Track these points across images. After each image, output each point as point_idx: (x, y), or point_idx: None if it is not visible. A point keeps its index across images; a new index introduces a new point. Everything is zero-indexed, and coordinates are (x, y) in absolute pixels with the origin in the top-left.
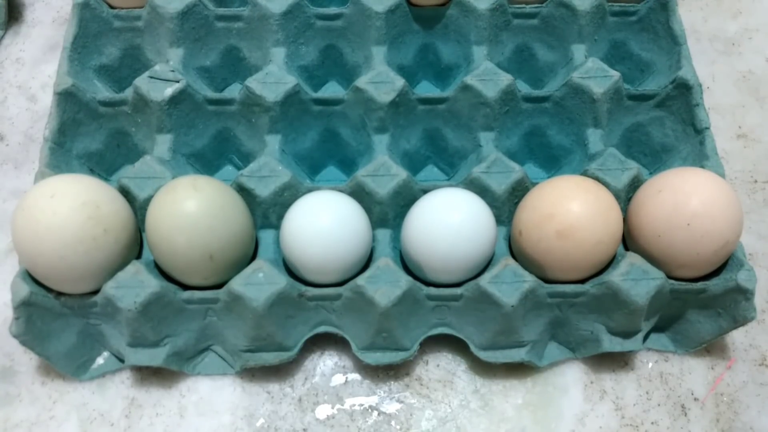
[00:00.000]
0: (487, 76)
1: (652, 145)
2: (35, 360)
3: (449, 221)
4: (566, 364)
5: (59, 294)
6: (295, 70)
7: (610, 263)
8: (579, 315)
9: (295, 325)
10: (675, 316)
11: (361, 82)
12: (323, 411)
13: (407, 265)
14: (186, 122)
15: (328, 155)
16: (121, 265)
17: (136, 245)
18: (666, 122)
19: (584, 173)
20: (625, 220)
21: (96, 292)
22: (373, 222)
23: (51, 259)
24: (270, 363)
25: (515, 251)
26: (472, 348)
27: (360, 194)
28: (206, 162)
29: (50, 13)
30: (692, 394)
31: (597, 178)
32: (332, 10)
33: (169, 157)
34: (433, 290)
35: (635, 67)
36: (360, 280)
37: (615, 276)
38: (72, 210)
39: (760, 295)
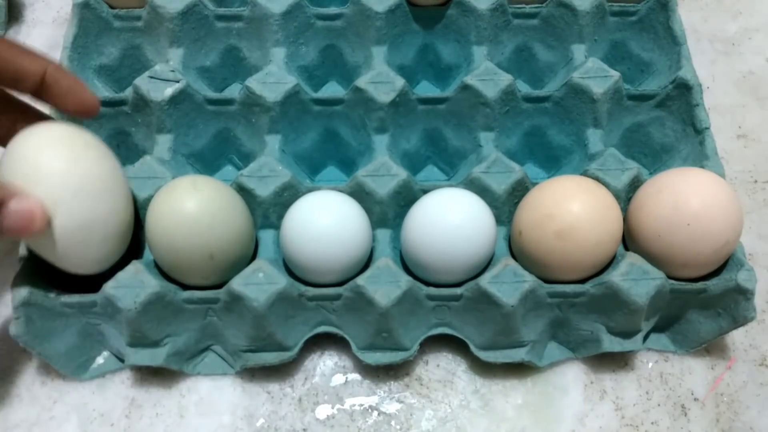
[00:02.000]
0: (487, 76)
1: (652, 145)
2: (35, 360)
3: (449, 221)
4: (566, 364)
5: (59, 294)
6: (295, 70)
7: (610, 263)
8: (579, 315)
9: (295, 325)
10: (675, 316)
11: (361, 82)
12: (323, 411)
13: (407, 265)
14: (186, 122)
15: (328, 155)
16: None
17: (131, 222)
18: (666, 122)
19: (584, 173)
20: (625, 220)
21: (96, 291)
22: (373, 222)
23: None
24: (270, 363)
25: (515, 251)
26: (472, 348)
27: (360, 194)
28: (206, 162)
29: (50, 13)
30: (692, 394)
31: (597, 178)
32: (332, 10)
33: (169, 157)
34: (433, 290)
35: (635, 67)
36: (360, 280)
37: (615, 276)
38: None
39: (760, 295)
